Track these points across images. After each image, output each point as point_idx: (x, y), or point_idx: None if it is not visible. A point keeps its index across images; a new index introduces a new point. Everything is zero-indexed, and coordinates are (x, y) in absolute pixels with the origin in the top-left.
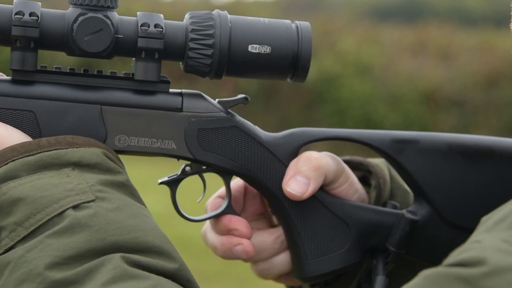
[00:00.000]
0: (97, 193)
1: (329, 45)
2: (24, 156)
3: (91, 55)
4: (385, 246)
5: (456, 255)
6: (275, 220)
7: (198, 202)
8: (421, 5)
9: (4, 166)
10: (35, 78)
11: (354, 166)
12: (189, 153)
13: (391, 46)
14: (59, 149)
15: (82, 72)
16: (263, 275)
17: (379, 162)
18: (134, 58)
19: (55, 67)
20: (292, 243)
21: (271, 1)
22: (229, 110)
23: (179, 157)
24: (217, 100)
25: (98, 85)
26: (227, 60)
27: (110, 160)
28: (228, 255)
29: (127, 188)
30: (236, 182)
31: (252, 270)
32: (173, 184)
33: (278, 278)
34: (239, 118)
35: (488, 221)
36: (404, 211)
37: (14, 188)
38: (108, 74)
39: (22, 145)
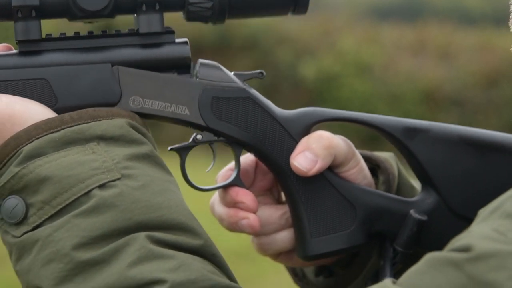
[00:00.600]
0: (122, 171)
1: (329, 44)
2: (49, 133)
3: (92, 15)
4: (389, 232)
5: (453, 242)
6: (283, 196)
7: (207, 171)
8: (421, 4)
9: (29, 144)
10: (42, 47)
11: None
12: (202, 121)
13: (391, 46)
14: (82, 123)
15: (87, 34)
16: (263, 250)
17: (387, 157)
18: (135, 14)
19: (60, 34)
20: (297, 220)
21: None
22: (245, 83)
23: (191, 124)
24: (233, 72)
25: (105, 45)
26: (227, 0)
27: (134, 130)
28: (234, 227)
29: (152, 159)
30: (248, 156)
31: (252, 244)
32: (183, 151)
33: (278, 256)
34: (254, 90)
35: (484, 211)
36: (411, 211)
37: (41, 167)
38: (113, 33)
39: (46, 122)
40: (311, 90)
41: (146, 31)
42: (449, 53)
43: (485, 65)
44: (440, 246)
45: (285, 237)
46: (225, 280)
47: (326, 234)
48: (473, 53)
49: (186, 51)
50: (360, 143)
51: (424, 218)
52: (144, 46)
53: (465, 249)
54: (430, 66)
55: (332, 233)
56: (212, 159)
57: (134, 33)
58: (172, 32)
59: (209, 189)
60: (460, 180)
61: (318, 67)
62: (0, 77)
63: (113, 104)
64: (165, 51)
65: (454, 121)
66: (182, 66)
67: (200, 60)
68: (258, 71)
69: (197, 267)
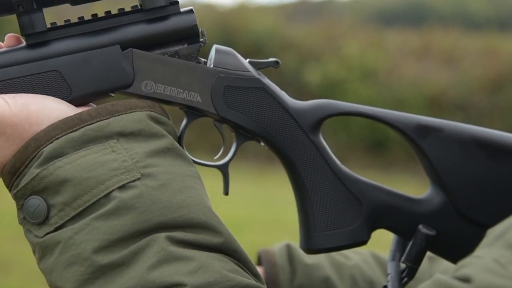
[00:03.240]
0: (142, 170)
1: (334, 49)
2: (68, 133)
3: None
4: (392, 229)
5: (458, 268)
6: None
7: (216, 158)
8: (425, 9)
9: (49, 145)
10: (49, 37)
11: None
12: (213, 108)
13: (396, 51)
14: (101, 120)
15: (91, 18)
16: None
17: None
18: None
19: (64, 21)
20: (304, 213)
21: (275, 6)
22: (259, 72)
23: (202, 111)
24: (248, 60)
25: (111, 25)
26: None
27: (154, 121)
28: None
29: (173, 152)
30: None
31: None
32: (190, 115)
33: None
34: (268, 81)
35: (491, 234)
36: (420, 226)
37: (61, 168)
38: (117, 12)
39: (64, 121)
40: (316, 95)
41: (151, 7)
42: (454, 57)
43: (490, 70)
44: (443, 247)
45: None
46: (244, 280)
47: (330, 229)
48: (478, 57)
49: (193, 19)
50: (365, 149)
51: (432, 233)
52: (150, 21)
53: (466, 279)
54: (434, 71)
55: (337, 229)
56: (222, 142)
57: (138, 10)
58: (176, 3)
59: (196, 161)
60: (471, 182)
61: (322, 72)
62: (12, 74)
63: (127, 86)
64: (171, 23)
65: None
66: (190, 35)
67: (216, 46)
68: (274, 60)
69: (217, 267)
